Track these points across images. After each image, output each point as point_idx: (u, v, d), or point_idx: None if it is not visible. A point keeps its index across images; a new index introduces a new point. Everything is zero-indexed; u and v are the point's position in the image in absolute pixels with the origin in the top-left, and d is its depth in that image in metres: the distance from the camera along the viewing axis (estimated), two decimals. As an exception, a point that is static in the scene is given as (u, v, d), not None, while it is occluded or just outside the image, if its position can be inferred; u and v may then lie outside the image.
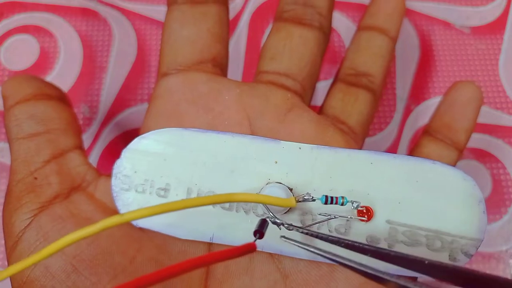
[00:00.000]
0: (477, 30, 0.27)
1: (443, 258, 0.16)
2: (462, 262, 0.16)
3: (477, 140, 0.25)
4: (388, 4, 0.21)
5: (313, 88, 0.20)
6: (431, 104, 0.26)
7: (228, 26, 0.20)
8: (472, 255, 0.16)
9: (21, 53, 0.26)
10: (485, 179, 0.24)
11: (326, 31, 0.20)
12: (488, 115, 0.25)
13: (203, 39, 0.18)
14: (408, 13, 0.27)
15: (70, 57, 0.26)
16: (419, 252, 0.16)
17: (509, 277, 0.23)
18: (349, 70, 0.20)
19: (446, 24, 0.27)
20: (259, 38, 0.26)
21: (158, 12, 0.27)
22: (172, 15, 0.19)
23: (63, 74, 0.25)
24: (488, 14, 0.27)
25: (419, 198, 0.16)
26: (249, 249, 0.13)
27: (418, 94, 0.26)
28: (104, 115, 0.25)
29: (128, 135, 0.24)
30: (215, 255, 0.13)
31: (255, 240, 0.14)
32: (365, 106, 0.20)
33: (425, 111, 0.25)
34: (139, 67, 0.26)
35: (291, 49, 0.19)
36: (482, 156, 0.25)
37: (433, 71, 0.26)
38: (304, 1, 0.19)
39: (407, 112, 0.26)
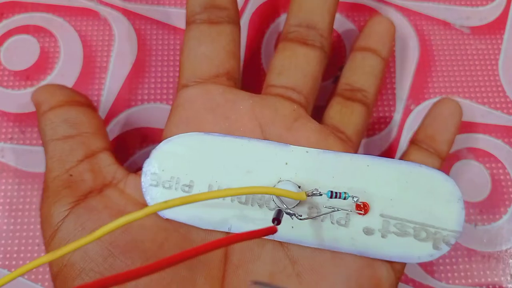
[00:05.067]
0: (477, 30, 0.27)
1: (428, 246, 0.18)
2: (444, 250, 0.18)
3: (477, 140, 0.25)
4: (380, 28, 0.24)
5: (314, 100, 0.22)
6: (430, 104, 0.26)
7: (240, 43, 0.22)
8: (452, 244, 0.18)
9: (21, 53, 0.26)
10: (485, 179, 0.25)
11: (326, 50, 0.22)
12: (488, 115, 0.25)
13: (219, 56, 0.21)
14: (408, 13, 0.27)
15: (70, 57, 0.26)
16: (407, 241, 0.19)
17: (509, 277, 0.23)
18: (345, 86, 0.23)
19: (446, 24, 0.27)
20: (260, 38, 0.26)
21: (158, 12, 0.27)
22: (191, 33, 0.21)
23: (63, 74, 0.25)
24: (487, 14, 0.27)
25: (408, 195, 0.19)
26: (271, 230, 0.15)
27: (417, 94, 0.26)
28: (104, 115, 0.25)
29: (128, 135, 0.24)
30: (244, 235, 0.15)
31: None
32: (360, 117, 0.22)
33: (424, 111, 0.25)
34: (139, 67, 0.26)
35: (296, 66, 0.21)
36: (482, 156, 0.25)
37: (433, 71, 0.26)
38: (307, 24, 0.22)
39: (407, 112, 0.26)
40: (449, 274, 0.23)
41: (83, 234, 0.18)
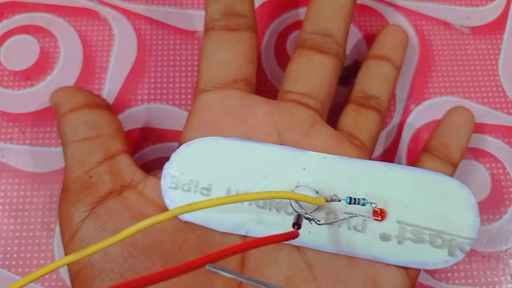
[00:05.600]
0: (477, 30, 0.27)
1: (443, 253, 0.19)
2: (459, 257, 0.19)
3: (477, 140, 0.25)
4: (394, 37, 0.24)
5: (329, 107, 0.22)
6: (430, 104, 0.26)
7: (257, 50, 0.22)
8: (467, 251, 0.19)
9: (21, 53, 0.26)
10: (485, 179, 0.25)
11: (341, 58, 0.22)
12: (488, 115, 0.25)
13: (237, 61, 0.21)
14: (408, 13, 0.27)
15: (70, 57, 0.26)
16: (423, 248, 0.19)
17: (509, 277, 0.23)
18: (359, 93, 0.23)
19: (446, 24, 0.27)
20: (260, 38, 0.26)
21: (158, 12, 0.27)
22: (210, 39, 0.21)
23: (63, 74, 0.25)
24: (487, 14, 0.27)
25: (424, 202, 0.19)
26: (293, 235, 0.16)
27: (417, 94, 0.26)
28: (104, 115, 0.25)
29: (128, 135, 0.24)
30: (266, 239, 0.15)
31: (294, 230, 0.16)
32: (374, 124, 0.22)
33: (424, 111, 0.25)
34: (139, 67, 0.26)
35: (312, 73, 0.21)
36: (482, 156, 0.25)
37: (433, 71, 0.26)
38: (323, 31, 0.22)
39: (407, 112, 0.26)
40: (449, 274, 0.23)
41: (103, 234, 0.18)
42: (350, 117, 0.22)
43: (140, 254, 0.18)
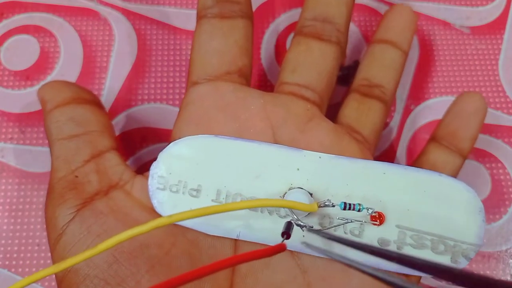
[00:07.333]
0: (477, 30, 0.27)
1: (445, 260, 0.18)
2: (463, 264, 0.18)
3: (478, 140, 0.25)
4: (400, 19, 0.22)
5: (329, 99, 0.21)
6: (430, 104, 0.26)
7: (252, 39, 0.21)
8: (471, 259, 0.18)
9: (21, 53, 0.26)
10: (485, 179, 0.25)
11: (343, 46, 0.21)
12: (488, 115, 0.25)
13: (231, 51, 0.20)
14: (408, 13, 0.27)
15: (70, 57, 0.26)
16: (424, 254, 0.18)
17: (509, 277, 0.23)
18: (363, 81, 0.21)
19: (446, 24, 0.27)
20: (259, 38, 0.26)
21: (158, 12, 0.27)
22: (202, 28, 0.20)
23: (63, 74, 0.25)
24: (487, 14, 0.27)
25: (426, 206, 0.18)
26: (280, 249, 0.15)
27: (417, 94, 0.26)
28: (104, 115, 0.25)
29: (128, 135, 0.24)
30: (250, 254, 0.14)
31: (283, 241, 0.15)
32: (378, 116, 0.21)
33: (424, 111, 0.25)
34: (139, 67, 0.26)
35: (311, 62, 0.20)
36: (482, 156, 0.25)
37: (433, 71, 0.26)
38: (324, 17, 0.21)
39: (407, 112, 0.26)
40: (449, 274, 0.23)
41: (88, 238, 0.17)
42: (352, 108, 0.21)
43: (126, 259, 0.17)
